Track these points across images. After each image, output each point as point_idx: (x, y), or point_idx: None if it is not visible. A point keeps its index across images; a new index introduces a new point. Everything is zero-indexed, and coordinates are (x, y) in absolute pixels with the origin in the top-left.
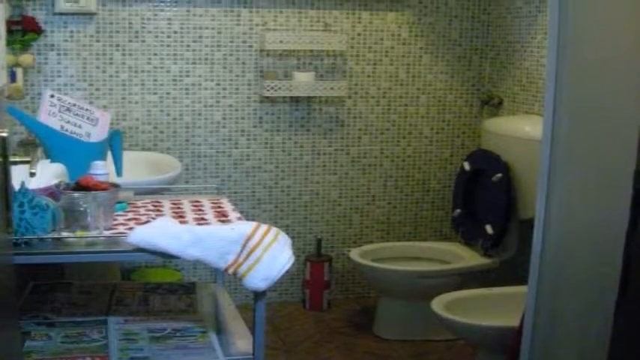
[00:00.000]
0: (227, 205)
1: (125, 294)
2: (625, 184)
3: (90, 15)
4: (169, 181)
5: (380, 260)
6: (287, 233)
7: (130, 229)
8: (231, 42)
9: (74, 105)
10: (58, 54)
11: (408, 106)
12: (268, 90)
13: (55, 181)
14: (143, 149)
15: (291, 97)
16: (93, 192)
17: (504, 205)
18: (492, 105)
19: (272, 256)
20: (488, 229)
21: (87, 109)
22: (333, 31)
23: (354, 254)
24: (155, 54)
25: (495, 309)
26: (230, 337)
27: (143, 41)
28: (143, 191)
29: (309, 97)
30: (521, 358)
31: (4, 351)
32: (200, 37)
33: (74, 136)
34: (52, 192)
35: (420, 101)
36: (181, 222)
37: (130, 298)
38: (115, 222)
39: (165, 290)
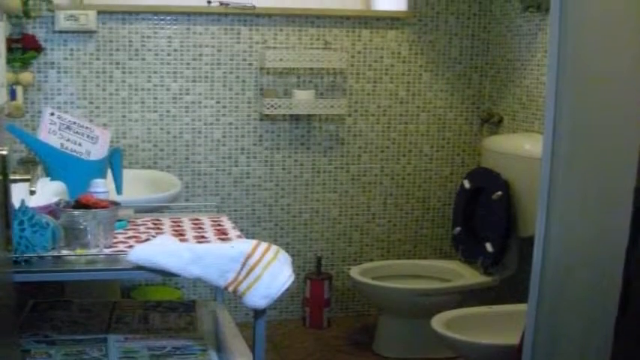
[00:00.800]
0: (227, 223)
1: (125, 312)
2: (625, 202)
3: (90, 33)
4: (169, 199)
5: (380, 278)
6: (287, 251)
7: (130, 247)
8: (231, 60)
9: (74, 123)
10: (58, 72)
11: (408, 124)
12: (268, 108)
13: (55, 199)
14: (143, 167)
15: (291, 115)
16: (93, 210)
17: (504, 223)
18: (492, 123)
19: (272, 274)
20: (489, 247)
21: (87, 127)
22: (333, 49)
23: (354, 272)
24: (155, 72)
25: (495, 327)
26: (230, 355)
27: (143, 59)
28: (143, 209)
29: (309, 115)
30: None
31: None
32: (200, 55)
33: (74, 154)
34: (52, 210)
35: (420, 119)
36: (181, 240)
37: (130, 316)
38: (115, 240)
39: (166, 308)
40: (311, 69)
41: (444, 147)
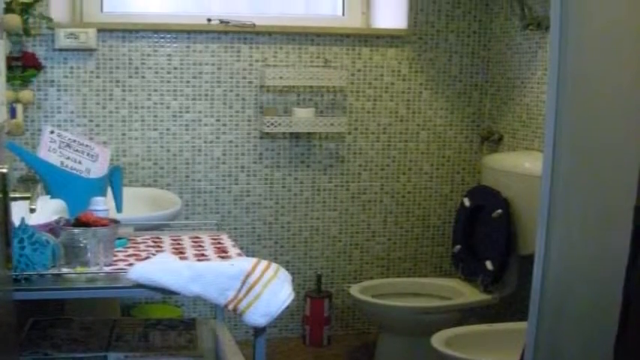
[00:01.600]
0: (227, 241)
1: (125, 330)
2: (625, 220)
3: (90, 51)
4: (169, 217)
5: (380, 296)
6: (287, 269)
7: (130, 265)
8: (231, 78)
9: (74, 141)
10: (58, 90)
11: (408, 142)
12: (268, 126)
13: (55, 217)
14: (143, 185)
15: (291, 133)
16: (93, 228)
17: (504, 240)
18: (492, 141)
19: (272, 292)
20: (488, 265)
21: (87, 145)
22: (333, 67)
23: (354, 290)
24: (155, 90)
25: (495, 345)
26: None
27: (143, 77)
28: (143, 227)
29: (309, 133)
30: None
31: None
32: (200, 73)
33: (74, 172)
34: (52, 228)
35: (420, 137)
36: (181, 258)
37: (130, 334)
38: (115, 258)
39: (166, 326)
40: (311, 87)
41: (443, 165)
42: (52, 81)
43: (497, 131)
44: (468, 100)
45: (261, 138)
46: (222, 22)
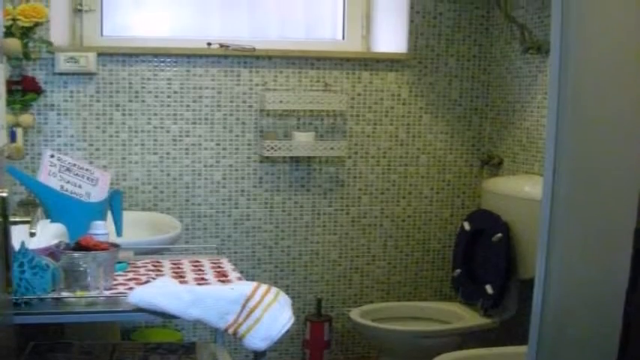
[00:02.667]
0: (227, 265)
1: (125, 354)
2: (625, 244)
3: (90, 75)
4: (169, 241)
5: (380, 320)
6: (287, 293)
7: (130, 289)
8: (231, 102)
9: (74, 165)
10: (58, 114)
11: (408, 166)
12: (268, 150)
13: (55, 241)
14: (143, 209)
15: (291, 157)
16: (93, 252)
17: (504, 265)
18: (492, 165)
19: (272, 316)
20: (489, 289)
21: (87, 169)
22: (333, 91)
23: (355, 314)
24: (155, 114)
25: None
26: None
27: (143, 101)
28: (143, 251)
29: (309, 157)
30: None
31: None
32: (200, 97)
33: (74, 196)
34: (52, 252)
35: (420, 161)
36: (181, 282)
37: (130, 358)
38: (115, 282)
39: (166, 350)
40: (311, 111)
41: (444, 189)
42: (52, 105)
43: (498, 155)
44: (468, 124)
45: (261, 162)
46: (222, 46)
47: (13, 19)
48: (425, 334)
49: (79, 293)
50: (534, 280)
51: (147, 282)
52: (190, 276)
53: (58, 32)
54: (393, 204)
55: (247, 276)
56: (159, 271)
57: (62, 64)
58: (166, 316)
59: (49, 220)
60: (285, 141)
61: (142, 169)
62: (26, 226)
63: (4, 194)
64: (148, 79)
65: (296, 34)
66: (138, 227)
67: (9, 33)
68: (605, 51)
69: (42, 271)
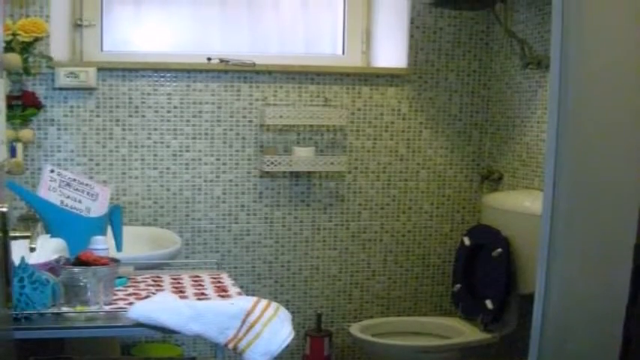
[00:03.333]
0: (227, 280)
1: None
2: (625, 259)
3: (90, 90)
4: (169, 256)
5: (380, 335)
6: (287, 308)
7: (130, 304)
8: (231, 117)
9: (74, 180)
10: (58, 129)
11: (407, 181)
12: (268, 165)
13: (55, 256)
14: (143, 224)
15: (291, 172)
16: (93, 267)
17: (504, 280)
18: (492, 180)
19: (272, 331)
20: (488, 304)
21: (87, 184)
22: (333, 106)
23: (355, 329)
24: (155, 129)
25: None
26: None
27: (143, 116)
28: (143, 266)
29: (309, 172)
30: None
31: None
32: (200, 112)
33: (74, 211)
34: (52, 267)
35: (420, 176)
36: (181, 297)
37: None
38: (115, 297)
39: None
40: (311, 126)
41: (443, 204)
42: (52, 120)
43: (498, 170)
44: (468, 139)
45: (261, 177)
46: (222, 61)
47: (13, 34)
48: (425, 349)
49: (79, 308)
50: (535, 295)
51: (147, 297)
52: (190, 291)
53: (58, 47)
54: (393, 219)
55: (247, 291)
56: (159, 286)
57: (62, 79)
58: (166, 331)
59: (49, 235)
60: (285, 156)
61: (142, 184)
62: (26, 241)
63: (4, 209)
64: (148, 94)
65: (296, 49)
66: (138, 242)
67: (9, 48)
68: (605, 66)
69: (42, 286)
